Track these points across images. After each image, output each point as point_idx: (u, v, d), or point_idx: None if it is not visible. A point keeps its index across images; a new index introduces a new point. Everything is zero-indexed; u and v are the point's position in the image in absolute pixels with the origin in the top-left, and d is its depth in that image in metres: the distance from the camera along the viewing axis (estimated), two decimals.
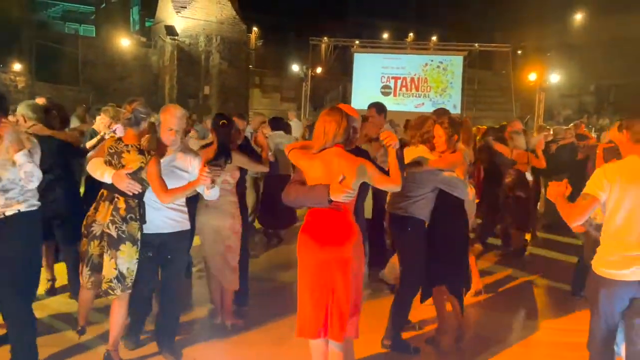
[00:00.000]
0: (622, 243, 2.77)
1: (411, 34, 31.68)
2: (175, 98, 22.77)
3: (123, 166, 3.26)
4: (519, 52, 28.77)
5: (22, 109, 4.46)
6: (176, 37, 22.99)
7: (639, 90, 26.46)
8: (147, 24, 29.34)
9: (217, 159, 3.93)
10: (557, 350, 4.12)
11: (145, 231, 3.40)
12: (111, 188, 3.31)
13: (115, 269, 3.26)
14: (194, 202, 4.02)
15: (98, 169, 3.32)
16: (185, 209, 3.60)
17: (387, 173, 3.08)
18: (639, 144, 2.82)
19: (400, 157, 3.14)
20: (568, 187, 2.89)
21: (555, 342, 4.26)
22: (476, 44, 26.34)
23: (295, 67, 28.86)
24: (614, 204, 2.77)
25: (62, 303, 4.70)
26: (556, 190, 2.89)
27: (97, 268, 3.34)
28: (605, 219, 2.84)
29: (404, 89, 25.60)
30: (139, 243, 3.33)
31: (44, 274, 4.76)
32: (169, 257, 3.55)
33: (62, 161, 4.60)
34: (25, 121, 4.41)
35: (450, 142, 3.83)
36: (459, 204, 3.96)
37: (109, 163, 3.31)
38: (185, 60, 23.47)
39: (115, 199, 3.29)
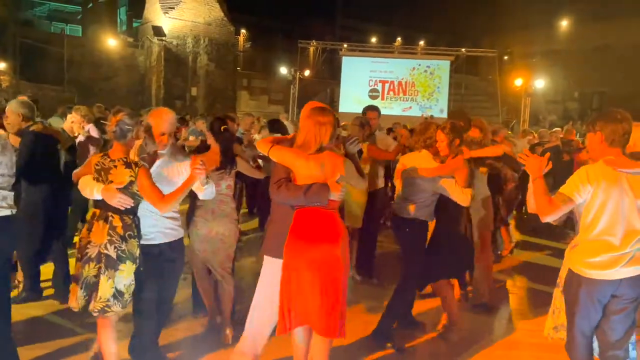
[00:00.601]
0: (607, 244, 2.79)
1: (399, 38, 31.89)
2: (162, 99, 22.66)
3: (111, 182, 3.08)
4: (505, 57, 29.08)
5: (19, 108, 4.32)
6: (163, 38, 22.89)
7: (622, 97, 26.84)
8: (134, 24, 29.17)
9: (224, 166, 3.95)
10: (539, 352, 4.15)
11: (142, 242, 3.25)
12: (103, 206, 3.11)
13: (112, 288, 3.09)
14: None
15: (87, 186, 3.14)
16: (178, 216, 3.44)
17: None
18: (614, 146, 2.83)
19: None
20: (549, 164, 2.91)
21: (537, 344, 4.29)
22: (463, 49, 26.60)
23: (283, 70, 28.87)
24: (599, 206, 2.79)
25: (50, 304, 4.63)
26: (536, 165, 2.86)
27: (92, 288, 3.11)
28: (587, 220, 2.85)
29: (391, 92, 25.74)
30: (137, 260, 3.17)
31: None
32: (167, 267, 3.36)
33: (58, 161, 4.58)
34: (22, 119, 4.32)
35: (451, 146, 3.94)
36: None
37: (97, 180, 3.12)
38: (172, 61, 23.37)
39: (110, 218, 3.08)
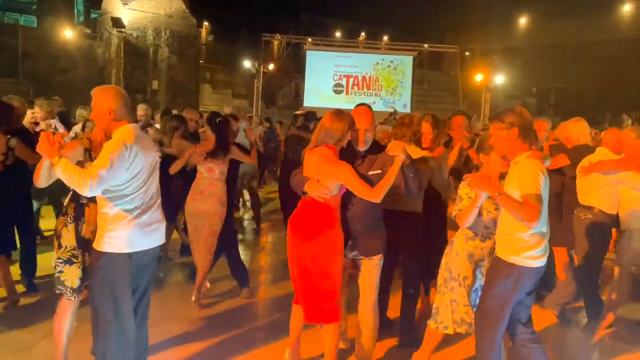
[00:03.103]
0: (542, 234, 2.93)
1: (363, 33, 32.03)
2: None
3: None
4: (467, 53, 29.62)
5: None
6: (123, 30, 22.32)
7: (577, 93, 27.80)
8: (92, 15, 28.35)
9: (217, 152, 4.50)
10: None
11: None
12: None
13: None
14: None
15: None
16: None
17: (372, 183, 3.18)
18: (527, 141, 2.91)
19: (410, 169, 3.19)
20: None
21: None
22: (426, 45, 26.93)
23: (247, 63, 28.63)
24: (545, 199, 2.90)
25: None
26: (487, 181, 2.95)
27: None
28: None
29: (355, 87, 25.86)
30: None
31: None
32: None
33: None
34: None
35: (435, 140, 4.08)
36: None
37: None
38: (132, 53, 22.82)
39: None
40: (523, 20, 31.32)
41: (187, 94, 24.30)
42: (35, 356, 3.65)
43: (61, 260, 3.13)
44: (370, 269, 3.42)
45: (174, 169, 4.70)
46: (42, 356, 3.62)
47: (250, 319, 4.51)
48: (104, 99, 2.86)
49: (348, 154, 3.29)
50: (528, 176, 2.80)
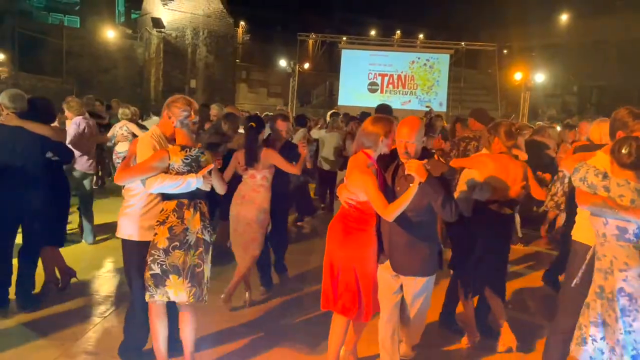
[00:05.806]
0: None
1: (398, 32, 31.80)
2: (161, 91, 22.64)
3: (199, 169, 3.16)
4: (505, 51, 29.03)
5: (1, 97, 4.20)
6: (162, 30, 22.82)
7: (620, 91, 26.87)
8: (133, 15, 29.07)
9: (248, 160, 4.37)
10: None
11: None
12: (190, 195, 3.14)
13: (209, 272, 3.25)
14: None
15: (175, 181, 3.06)
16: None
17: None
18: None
19: (427, 187, 2.94)
20: None
21: None
22: (462, 43, 26.54)
23: (282, 62, 28.81)
24: None
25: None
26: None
27: (196, 279, 3.12)
28: None
29: (390, 86, 25.72)
30: None
31: None
32: None
33: (35, 156, 4.18)
34: (2, 110, 4.21)
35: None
36: None
37: (187, 172, 3.12)
38: (171, 53, 23.31)
39: (199, 204, 3.18)
40: (564, 17, 30.47)
41: (224, 92, 24.67)
42: (84, 346, 3.75)
43: None
44: (409, 289, 3.22)
45: (226, 176, 4.40)
46: (91, 346, 3.75)
47: (287, 319, 4.52)
48: None
49: (396, 165, 3.18)
50: None
